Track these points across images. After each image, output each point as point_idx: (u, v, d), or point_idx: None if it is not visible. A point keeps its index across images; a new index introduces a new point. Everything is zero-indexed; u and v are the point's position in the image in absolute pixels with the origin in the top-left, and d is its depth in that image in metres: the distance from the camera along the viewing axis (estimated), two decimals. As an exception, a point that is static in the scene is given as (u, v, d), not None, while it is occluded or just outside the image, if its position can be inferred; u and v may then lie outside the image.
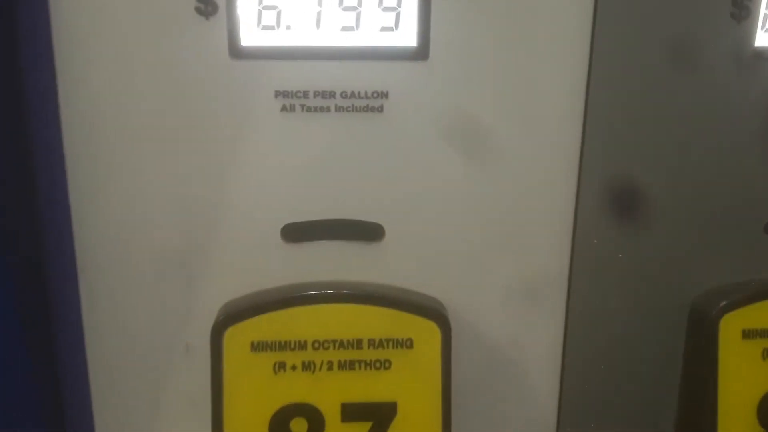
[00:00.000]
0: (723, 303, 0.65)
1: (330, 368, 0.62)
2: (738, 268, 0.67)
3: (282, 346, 0.62)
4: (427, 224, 0.64)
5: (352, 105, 0.61)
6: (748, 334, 0.66)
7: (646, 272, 0.67)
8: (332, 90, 0.61)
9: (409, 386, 0.63)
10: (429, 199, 0.64)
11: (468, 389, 0.68)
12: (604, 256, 0.66)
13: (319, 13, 0.60)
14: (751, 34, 0.62)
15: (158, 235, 0.63)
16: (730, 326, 0.65)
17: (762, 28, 0.62)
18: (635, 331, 0.69)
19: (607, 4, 0.60)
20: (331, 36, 0.60)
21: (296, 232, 0.63)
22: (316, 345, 0.62)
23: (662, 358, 0.69)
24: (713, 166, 0.65)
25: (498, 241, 0.65)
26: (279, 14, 0.60)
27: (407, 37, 0.61)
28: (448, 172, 0.63)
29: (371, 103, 0.61)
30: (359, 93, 0.61)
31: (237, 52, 0.59)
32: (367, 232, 0.64)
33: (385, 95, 0.61)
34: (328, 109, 0.61)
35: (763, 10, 0.61)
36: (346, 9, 0.60)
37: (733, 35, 0.61)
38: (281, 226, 0.63)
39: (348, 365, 0.62)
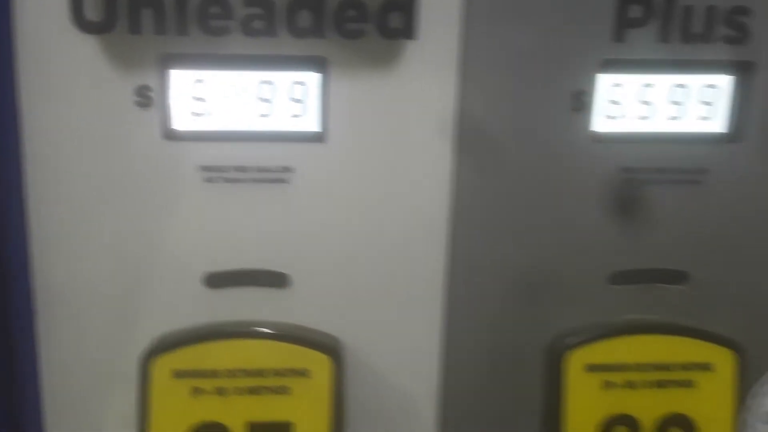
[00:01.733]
0: (570, 341, 0.79)
1: (239, 393, 0.76)
2: (588, 313, 0.81)
3: (199, 374, 0.75)
4: (327, 273, 0.78)
5: (264, 177, 0.75)
6: (591, 368, 0.79)
7: (512, 317, 0.81)
8: (248, 165, 0.75)
9: (305, 410, 0.76)
10: (328, 252, 0.78)
11: (362, 412, 0.82)
12: (476, 299, 0.80)
13: (239, 103, 0.74)
14: (587, 122, 0.76)
15: (103, 280, 0.76)
16: (576, 361, 0.79)
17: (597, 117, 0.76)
18: (507, 367, 0.82)
19: (469, 96, 0.74)
20: (249, 121, 0.75)
21: (215, 280, 0.77)
22: (228, 373, 0.75)
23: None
24: (563, 229, 0.79)
25: (383, 289, 0.79)
26: (205, 104, 0.74)
27: (311, 123, 0.75)
28: (342, 231, 0.77)
29: (280, 176, 0.75)
30: (270, 168, 0.75)
31: (169, 134, 0.73)
32: (275, 280, 0.78)
33: (291, 170, 0.75)
34: (244, 181, 0.75)
35: (598, 102, 0.76)
36: (262, 100, 0.75)
37: (573, 123, 0.76)
38: (203, 275, 0.77)
39: (253, 391, 0.76)
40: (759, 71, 0.75)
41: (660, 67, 0.75)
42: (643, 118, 0.77)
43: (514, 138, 0.75)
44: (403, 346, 0.81)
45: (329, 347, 0.76)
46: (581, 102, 0.74)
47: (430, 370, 0.82)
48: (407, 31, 0.71)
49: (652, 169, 0.78)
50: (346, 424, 0.80)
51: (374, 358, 0.81)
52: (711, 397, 0.80)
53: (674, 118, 0.77)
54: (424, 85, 0.73)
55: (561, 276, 0.80)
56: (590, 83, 0.74)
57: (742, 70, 0.75)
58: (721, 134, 0.77)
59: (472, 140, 0.75)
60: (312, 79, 0.73)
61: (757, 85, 0.76)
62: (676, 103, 0.77)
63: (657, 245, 0.80)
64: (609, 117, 0.77)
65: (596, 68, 0.74)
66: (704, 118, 0.78)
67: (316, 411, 0.76)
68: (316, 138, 0.74)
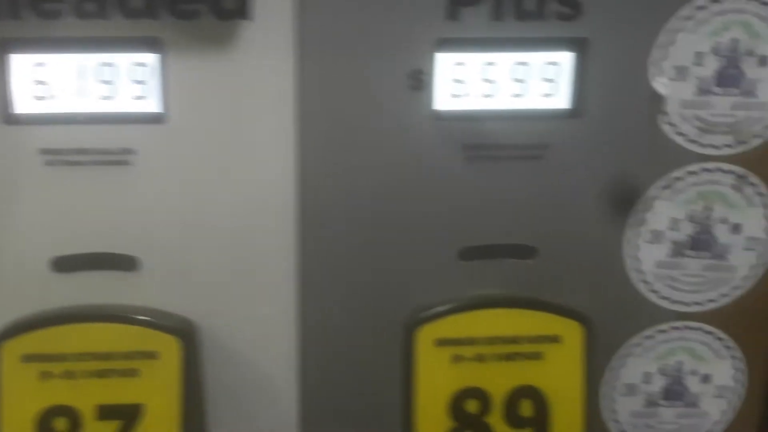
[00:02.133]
0: (419, 316, 0.80)
1: (87, 376, 0.76)
2: (440, 289, 0.82)
3: (47, 357, 0.75)
4: (176, 256, 0.78)
5: (106, 160, 0.75)
6: (441, 343, 0.81)
7: (367, 292, 0.82)
8: (89, 148, 0.75)
9: (155, 392, 0.76)
10: (175, 234, 0.78)
11: (224, 395, 0.83)
12: (330, 274, 0.80)
13: (80, 85, 0.74)
14: (429, 101, 0.77)
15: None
16: (425, 336, 0.80)
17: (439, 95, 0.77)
18: (365, 342, 0.83)
19: (308, 75, 0.74)
20: (90, 104, 0.75)
21: (62, 264, 0.77)
22: (76, 357, 0.75)
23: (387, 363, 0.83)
24: (410, 206, 0.80)
25: (234, 269, 0.79)
26: (47, 87, 0.74)
27: (153, 104, 0.75)
28: (188, 212, 0.77)
29: (122, 158, 0.75)
30: (112, 150, 0.75)
31: (9, 119, 0.73)
32: (124, 263, 0.78)
33: (133, 152, 0.75)
34: (86, 163, 0.75)
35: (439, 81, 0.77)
36: (103, 82, 0.75)
37: (413, 102, 0.77)
38: (50, 260, 0.77)
39: (102, 374, 0.76)
40: (593, 47, 0.77)
41: (496, 46, 0.76)
42: (487, 96, 0.78)
43: (356, 117, 0.76)
44: (259, 326, 0.82)
45: (179, 329, 0.77)
46: (419, 81, 0.75)
47: (288, 350, 0.82)
48: (241, 11, 0.71)
49: (495, 146, 0.79)
50: (205, 408, 0.81)
51: (231, 340, 0.81)
52: (560, 369, 0.81)
53: (517, 95, 0.79)
54: (262, 65, 0.73)
55: (412, 253, 0.81)
56: (428, 62, 0.75)
57: (578, 46, 0.77)
58: (563, 110, 0.79)
59: (313, 120, 0.75)
60: (152, 60, 0.73)
61: (594, 61, 0.77)
62: (518, 80, 0.78)
63: (504, 221, 0.81)
64: (454, 96, 0.78)
65: (432, 47, 0.75)
66: (547, 95, 0.79)
67: (166, 393, 0.76)
68: (156, 119, 0.74)
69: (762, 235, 0.84)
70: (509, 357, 0.81)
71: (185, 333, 0.77)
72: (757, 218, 0.83)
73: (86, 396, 0.76)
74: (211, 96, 0.74)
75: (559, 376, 0.81)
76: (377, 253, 0.80)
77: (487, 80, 0.78)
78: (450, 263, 0.81)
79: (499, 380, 0.81)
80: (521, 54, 0.78)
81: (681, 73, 0.78)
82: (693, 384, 0.88)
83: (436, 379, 0.80)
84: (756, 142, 0.81)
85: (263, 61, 0.74)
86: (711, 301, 0.86)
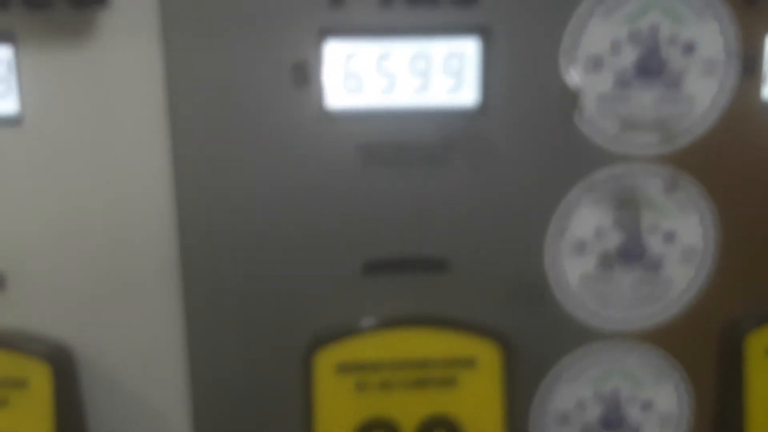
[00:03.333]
0: (317, 339, 0.72)
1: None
2: (341, 308, 0.74)
3: None
4: (45, 273, 0.71)
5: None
6: (342, 369, 0.72)
7: (259, 313, 0.73)
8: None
9: (25, 423, 0.68)
10: (44, 249, 0.70)
11: (105, 427, 0.74)
12: (216, 293, 0.72)
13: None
14: (317, 97, 0.70)
15: None
16: (324, 361, 0.72)
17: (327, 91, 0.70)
18: (260, 369, 0.75)
19: (177, 67, 0.67)
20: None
21: None
22: None
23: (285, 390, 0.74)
24: (303, 216, 0.72)
25: (112, 286, 0.71)
26: None
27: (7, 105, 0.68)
28: (55, 224, 0.69)
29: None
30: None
31: None
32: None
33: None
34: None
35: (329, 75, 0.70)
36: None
37: (298, 98, 0.69)
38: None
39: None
40: (497, 36, 0.70)
41: (388, 34, 0.69)
42: (385, 91, 0.71)
43: (234, 117, 0.69)
44: (142, 351, 0.73)
45: (49, 354, 0.69)
46: (304, 74, 0.68)
47: (176, 378, 0.74)
48: (98, -1, 0.65)
49: (396, 147, 0.71)
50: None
51: (112, 367, 0.73)
52: (476, 396, 0.73)
53: (419, 90, 0.72)
54: (126, 58, 0.67)
55: (307, 269, 0.73)
56: (312, 53, 0.68)
57: (479, 34, 0.70)
58: (470, 107, 0.72)
59: (186, 123, 0.68)
60: (5, 55, 0.66)
61: (499, 51, 0.70)
62: (419, 74, 0.72)
63: (410, 231, 0.73)
64: (348, 91, 0.71)
65: (316, 36, 0.68)
66: (451, 90, 0.72)
67: (37, 425, 0.68)
68: (11, 122, 0.67)
69: (699, 244, 0.76)
70: (419, 383, 0.73)
71: (57, 358, 0.69)
72: (693, 225, 0.76)
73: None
74: (72, 94, 0.68)
75: (476, 403, 0.73)
76: (267, 270, 0.72)
77: (384, 74, 0.71)
78: (351, 279, 0.73)
79: (408, 409, 0.73)
80: (418, 44, 0.71)
81: (596, 63, 0.71)
82: (633, 412, 0.79)
83: (338, 408, 0.72)
84: (685, 140, 0.74)
85: (127, 54, 0.67)
86: (647, 318, 0.78)
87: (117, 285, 0.71)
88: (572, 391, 0.78)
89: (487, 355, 0.73)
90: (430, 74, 0.71)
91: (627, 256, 0.76)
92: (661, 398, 0.80)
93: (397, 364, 0.72)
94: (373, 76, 0.71)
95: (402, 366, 0.72)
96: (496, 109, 0.72)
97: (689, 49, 0.72)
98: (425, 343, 0.73)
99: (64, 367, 0.69)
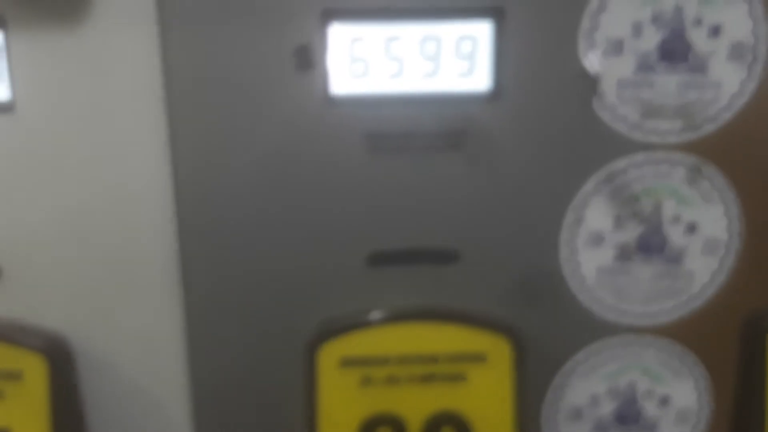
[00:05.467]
0: (321, 333, 0.69)
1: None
2: (346, 300, 0.71)
3: None
4: (43, 264, 0.69)
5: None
6: (346, 363, 0.70)
7: (260, 305, 0.71)
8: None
9: (20, 416, 0.67)
10: (41, 240, 0.68)
11: (104, 418, 0.72)
12: (216, 283, 0.70)
13: None
14: (321, 83, 0.67)
15: None
16: (328, 355, 0.69)
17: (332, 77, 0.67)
18: (261, 361, 0.73)
19: (175, 52, 0.65)
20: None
21: None
22: None
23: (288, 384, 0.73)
24: (307, 206, 0.69)
25: (111, 278, 0.69)
26: None
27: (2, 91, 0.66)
28: (53, 213, 0.67)
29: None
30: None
31: None
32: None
33: (-16, 146, 0.66)
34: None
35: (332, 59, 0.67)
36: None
37: (301, 84, 0.66)
38: None
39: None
40: (512, 18, 0.66)
41: (395, 16, 0.66)
42: (393, 76, 0.68)
43: (234, 103, 0.66)
44: (141, 341, 0.72)
45: (45, 346, 0.67)
46: (307, 59, 0.65)
47: (176, 369, 0.72)
48: (93, -21, 0.62)
49: (404, 135, 0.68)
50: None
51: (111, 358, 0.71)
52: (485, 391, 0.70)
53: (429, 75, 0.68)
54: (121, 40, 0.64)
55: (311, 260, 0.70)
56: (315, 36, 0.65)
57: (493, 16, 0.66)
58: (482, 92, 0.68)
59: (184, 107, 0.66)
60: (-2, 41, 0.64)
61: (514, 34, 0.67)
62: (429, 58, 0.68)
63: (419, 221, 0.70)
64: (353, 76, 0.67)
65: (319, 19, 0.65)
66: (463, 75, 0.68)
67: (32, 418, 0.67)
68: (3, 109, 0.65)
69: (723, 236, 0.72)
70: (427, 378, 0.70)
71: (53, 350, 0.67)
72: (716, 216, 0.72)
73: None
74: (65, 79, 0.65)
75: (485, 398, 0.70)
76: (270, 261, 0.70)
77: (392, 58, 0.68)
78: (356, 271, 0.71)
79: (415, 405, 0.71)
80: (428, 26, 0.67)
81: (616, 46, 0.67)
82: (649, 407, 0.77)
83: (342, 404, 0.70)
84: (709, 128, 0.70)
85: (122, 38, 0.64)
86: (666, 312, 0.74)
87: (115, 276, 0.70)
88: (586, 385, 0.76)
89: (497, 350, 0.70)
90: (441, 58, 0.68)
91: (647, 248, 0.72)
92: (680, 394, 0.77)
93: (404, 359, 0.70)
94: (380, 60, 0.68)
95: (409, 361, 0.70)
96: (509, 94, 0.68)
97: (716, 31, 0.68)
98: (433, 337, 0.70)
99: (60, 360, 0.68)
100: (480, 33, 0.67)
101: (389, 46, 0.67)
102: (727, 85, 0.69)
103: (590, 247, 0.72)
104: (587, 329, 0.74)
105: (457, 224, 0.71)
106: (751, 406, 0.75)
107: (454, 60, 0.68)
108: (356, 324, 0.70)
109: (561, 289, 0.73)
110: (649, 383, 0.76)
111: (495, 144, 0.69)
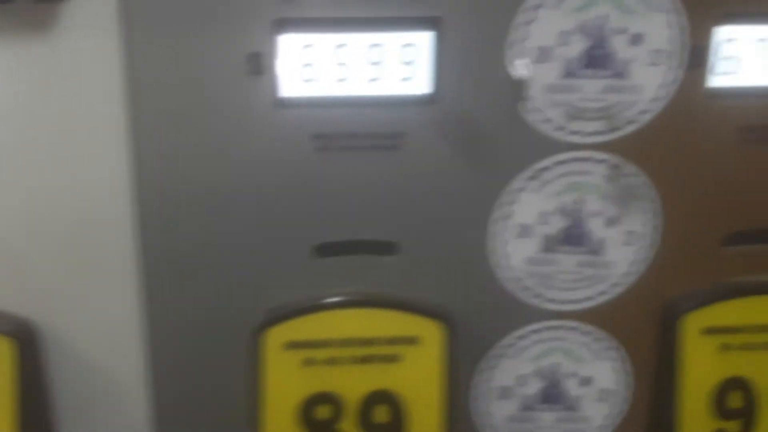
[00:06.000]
0: (268, 317, 0.75)
1: None
2: (294, 288, 0.77)
3: None
4: (7, 250, 0.73)
5: None
6: (291, 346, 0.75)
7: (216, 292, 0.76)
8: None
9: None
10: (4, 227, 0.72)
11: (68, 400, 0.77)
12: (175, 272, 0.75)
13: None
14: (271, 87, 0.71)
15: None
16: (274, 339, 0.75)
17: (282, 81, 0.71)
18: (216, 345, 0.78)
19: (138, 59, 0.69)
20: None
21: None
22: None
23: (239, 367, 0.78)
24: (258, 200, 0.74)
25: (73, 267, 0.74)
26: None
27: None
28: (17, 204, 0.72)
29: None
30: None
31: None
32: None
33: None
34: None
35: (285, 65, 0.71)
36: None
37: (253, 88, 0.71)
38: None
39: None
40: (449, 27, 0.71)
41: (340, 26, 0.70)
42: (340, 80, 0.73)
43: (192, 106, 0.70)
44: (103, 327, 0.76)
45: (13, 331, 0.71)
46: (258, 65, 0.70)
47: (136, 353, 0.77)
48: (57, -10, 0.66)
49: (349, 135, 0.73)
50: (51, 415, 0.76)
51: (74, 342, 0.76)
52: (418, 372, 0.76)
53: (373, 80, 0.73)
54: (86, 47, 0.68)
55: (262, 250, 0.75)
56: (267, 45, 0.70)
57: (432, 26, 0.71)
58: (422, 96, 0.73)
59: (145, 110, 0.70)
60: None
61: (451, 42, 0.72)
62: (374, 63, 0.73)
63: (361, 215, 0.75)
64: (304, 81, 0.72)
65: (271, 28, 0.69)
66: (405, 80, 0.73)
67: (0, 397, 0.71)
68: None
69: (641, 229, 0.79)
70: (364, 360, 0.76)
71: (21, 334, 0.72)
72: (635, 211, 0.78)
73: None
74: (32, 85, 0.68)
75: (418, 379, 0.76)
76: (224, 251, 0.75)
77: (339, 63, 0.72)
78: (303, 261, 0.76)
79: (353, 385, 0.76)
80: (373, 35, 0.72)
81: (544, 54, 0.72)
82: (572, 387, 0.83)
83: (285, 384, 0.75)
84: (630, 128, 0.76)
85: (87, 45, 0.68)
86: (588, 299, 0.81)
87: (78, 264, 0.74)
88: (513, 367, 0.82)
89: (429, 333, 0.76)
90: (384, 64, 0.73)
91: (570, 239, 0.78)
92: (601, 375, 0.83)
93: (344, 342, 0.75)
94: (328, 66, 0.72)
95: (348, 344, 0.75)
96: (446, 98, 0.73)
97: (636, 40, 0.73)
98: (371, 322, 0.76)
99: (27, 343, 0.72)
100: (421, 41, 0.72)
101: (337, 52, 0.72)
102: (646, 90, 0.74)
103: (518, 239, 0.78)
104: (515, 315, 0.80)
105: (396, 218, 0.76)
106: (667, 387, 0.82)
107: (397, 66, 0.73)
108: (300, 310, 0.75)
109: (491, 278, 0.78)
110: (573, 365, 0.82)
111: (432, 144, 0.74)
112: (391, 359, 0.76)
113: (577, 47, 0.73)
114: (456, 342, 0.77)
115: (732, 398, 0.81)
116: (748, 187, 0.79)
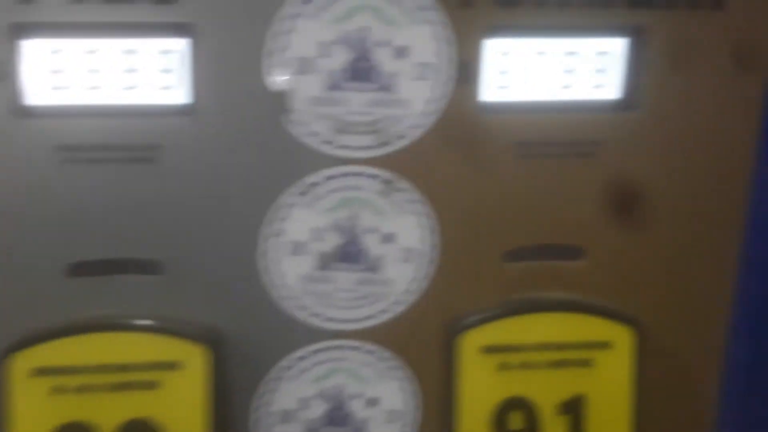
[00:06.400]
0: (10, 345, 0.70)
1: None
2: (46, 311, 0.72)
3: None
4: None
5: None
6: (37, 372, 0.70)
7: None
8: None
9: None
10: None
11: None
12: None
13: None
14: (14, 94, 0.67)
15: None
16: (18, 367, 0.70)
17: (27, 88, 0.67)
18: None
19: None
20: None
21: None
22: None
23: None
24: (5, 215, 0.69)
25: None
26: None
27: None
28: None
29: None
30: None
31: None
32: None
33: None
34: None
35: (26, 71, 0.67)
36: None
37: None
38: None
39: None
40: (202, 34, 0.69)
41: (83, 31, 0.68)
42: (93, 88, 0.70)
43: None
44: None
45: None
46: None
47: None
48: None
49: (100, 147, 0.70)
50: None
51: None
52: (179, 398, 0.73)
53: (129, 88, 0.70)
54: None
55: (9, 271, 0.70)
56: (5, 50, 0.66)
57: (184, 32, 0.69)
58: (178, 106, 0.70)
59: None
60: None
61: (205, 50, 0.70)
62: (129, 70, 0.70)
63: (120, 232, 0.72)
64: (53, 88, 0.69)
65: (8, 33, 0.65)
66: (163, 88, 0.70)
67: None
68: None
69: (418, 246, 0.77)
70: (120, 387, 0.73)
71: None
72: (411, 227, 0.77)
73: None
74: None
75: (179, 407, 0.73)
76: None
77: (92, 70, 0.69)
78: (56, 282, 0.71)
79: (108, 413, 0.73)
80: (127, 41, 0.69)
81: (306, 65, 0.71)
82: (358, 408, 0.80)
83: (33, 414, 0.71)
84: (401, 143, 0.74)
85: None
86: (370, 317, 0.78)
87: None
88: (295, 390, 0.79)
89: (192, 357, 0.72)
90: (140, 72, 0.70)
91: (346, 257, 0.76)
92: (387, 396, 0.81)
93: (97, 368, 0.71)
94: (78, 72, 0.68)
95: (102, 370, 0.71)
96: (206, 109, 0.71)
97: (401, 53, 0.72)
98: (128, 346, 0.72)
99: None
100: (177, 48, 0.69)
101: (89, 59, 0.68)
102: (414, 104, 0.73)
103: (292, 256, 0.75)
104: (293, 335, 0.77)
105: (159, 235, 0.72)
106: (449, 407, 0.80)
107: (155, 74, 0.70)
108: (48, 334, 0.70)
109: (265, 297, 0.75)
110: (357, 386, 0.80)
111: (192, 157, 0.71)
112: (149, 386, 0.72)
113: (340, 59, 0.71)
114: (226, 365, 0.73)
115: (512, 419, 0.79)
116: (528, 203, 0.79)
